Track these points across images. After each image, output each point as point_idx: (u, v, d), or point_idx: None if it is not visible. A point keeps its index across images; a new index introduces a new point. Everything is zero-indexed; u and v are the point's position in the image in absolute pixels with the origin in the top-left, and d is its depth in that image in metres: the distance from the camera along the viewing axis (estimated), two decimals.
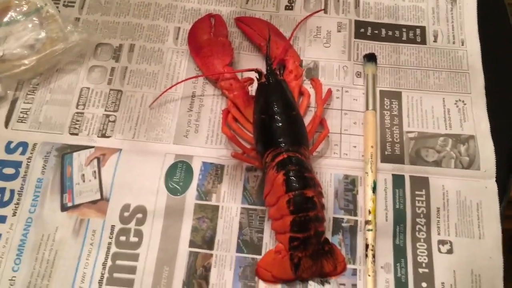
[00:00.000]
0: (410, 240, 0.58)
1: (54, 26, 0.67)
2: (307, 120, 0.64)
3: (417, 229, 0.59)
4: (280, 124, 0.58)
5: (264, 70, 0.63)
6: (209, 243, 0.58)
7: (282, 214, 0.55)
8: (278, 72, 0.63)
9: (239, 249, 0.58)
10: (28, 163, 0.62)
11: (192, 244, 0.58)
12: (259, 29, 0.71)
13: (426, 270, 0.57)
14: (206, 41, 0.69)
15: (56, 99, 0.67)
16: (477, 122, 0.66)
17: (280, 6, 0.75)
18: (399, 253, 0.58)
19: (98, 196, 0.60)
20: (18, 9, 0.67)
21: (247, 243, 0.58)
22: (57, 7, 0.73)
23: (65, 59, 0.68)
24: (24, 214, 0.59)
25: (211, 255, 0.58)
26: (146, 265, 0.57)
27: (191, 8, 0.74)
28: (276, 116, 0.58)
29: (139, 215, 0.59)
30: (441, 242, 0.59)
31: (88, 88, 0.68)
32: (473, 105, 0.67)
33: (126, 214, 0.59)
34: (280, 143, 0.57)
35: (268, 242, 0.58)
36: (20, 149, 0.63)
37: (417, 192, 0.61)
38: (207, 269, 0.57)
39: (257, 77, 0.63)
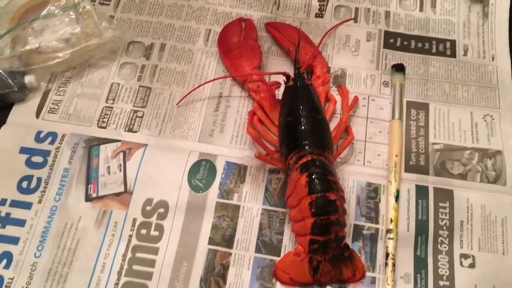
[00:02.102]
0: (431, 252, 0.58)
1: (90, 21, 0.69)
2: (332, 126, 0.64)
3: (439, 241, 0.58)
4: (306, 126, 0.58)
5: (292, 74, 0.64)
6: (229, 241, 0.58)
7: (303, 216, 0.54)
8: (305, 76, 0.63)
9: (258, 250, 0.58)
10: (56, 153, 0.63)
11: (211, 241, 0.58)
12: (289, 34, 0.71)
13: (447, 283, 0.56)
14: (236, 43, 0.70)
15: (87, 93, 0.68)
16: (505, 138, 0.65)
17: (310, 13, 0.76)
18: (419, 264, 0.57)
19: (122, 189, 0.61)
20: (56, 4, 0.69)
21: (266, 244, 0.58)
22: (93, 5, 0.75)
23: (98, 54, 0.69)
24: (49, 202, 0.60)
25: (230, 253, 0.58)
26: (165, 259, 0.57)
27: (223, 11, 0.76)
28: (302, 119, 0.59)
29: (161, 210, 0.60)
30: (464, 256, 0.58)
31: (118, 84, 0.69)
32: (501, 121, 0.66)
33: (148, 208, 0.60)
34: (304, 146, 0.57)
35: (288, 244, 0.58)
36: (50, 138, 0.64)
37: (440, 204, 0.60)
38: (225, 268, 0.57)
39: (285, 80, 0.63)
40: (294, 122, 0.59)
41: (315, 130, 0.59)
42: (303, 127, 0.58)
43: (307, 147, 0.57)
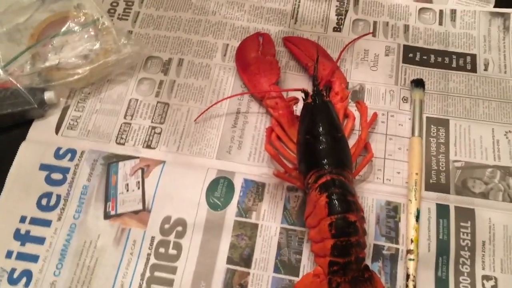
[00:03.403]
0: (453, 273, 0.57)
1: (109, 38, 0.69)
2: (351, 143, 0.63)
3: (460, 262, 0.57)
4: (325, 145, 0.58)
5: (310, 91, 0.64)
6: (247, 261, 0.58)
7: (323, 237, 0.54)
8: (324, 93, 0.63)
9: (276, 270, 0.58)
10: (76, 170, 0.63)
11: (229, 260, 0.58)
12: (307, 49, 0.71)
13: None
14: (254, 59, 0.70)
15: (105, 109, 0.69)
16: None
17: (328, 27, 0.75)
18: (441, 285, 0.56)
19: (140, 207, 0.61)
20: (76, 20, 0.69)
21: (285, 263, 0.58)
22: (112, 20, 0.75)
23: (117, 70, 0.70)
24: (68, 220, 0.60)
25: (248, 273, 0.57)
26: (183, 279, 0.57)
27: (240, 26, 0.76)
28: (321, 137, 0.58)
29: (179, 228, 0.60)
30: (486, 278, 0.57)
31: (137, 100, 0.69)
32: None
33: (166, 226, 0.60)
34: (324, 165, 0.57)
35: (306, 264, 0.58)
36: (69, 155, 0.65)
37: (462, 224, 0.59)
38: (244, 287, 0.57)
39: (303, 97, 0.63)
40: (313, 141, 0.59)
41: (334, 149, 0.58)
42: (322, 146, 0.58)
43: (326, 166, 0.56)
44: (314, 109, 0.61)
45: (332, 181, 0.55)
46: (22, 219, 0.61)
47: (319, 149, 0.58)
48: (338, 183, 0.55)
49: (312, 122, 0.60)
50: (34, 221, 0.60)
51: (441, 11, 0.76)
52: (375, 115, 0.66)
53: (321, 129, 0.59)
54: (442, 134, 0.66)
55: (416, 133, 0.65)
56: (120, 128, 0.67)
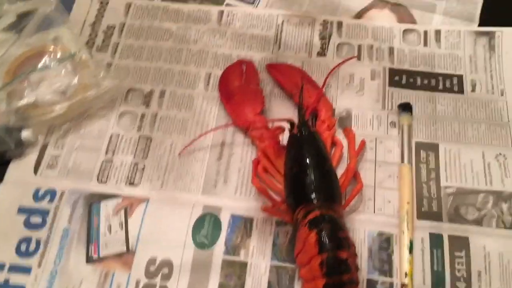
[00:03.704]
0: None
1: (87, 72, 0.67)
2: (339, 172, 0.62)
3: None
4: (313, 179, 0.56)
5: (296, 120, 0.62)
6: None
7: (314, 275, 0.52)
8: (310, 123, 0.62)
9: None
10: (56, 212, 0.61)
11: None
12: (291, 76, 0.70)
13: None
14: (237, 88, 0.68)
15: (86, 146, 0.67)
16: None
17: (312, 52, 0.74)
18: None
19: (124, 249, 0.59)
20: (52, 56, 0.67)
21: None
22: (90, 52, 0.73)
23: (97, 105, 0.68)
24: (49, 266, 0.58)
25: None
26: None
27: (223, 53, 0.74)
28: (308, 170, 0.56)
29: (165, 270, 0.57)
30: None
31: (118, 135, 0.67)
32: None
33: (152, 268, 0.58)
34: (312, 200, 0.55)
35: None
36: (48, 196, 0.62)
37: (456, 253, 0.58)
38: None
39: (289, 128, 0.61)
40: (301, 174, 0.57)
41: (323, 182, 0.56)
42: (310, 180, 0.56)
43: (315, 201, 0.55)
44: (300, 140, 0.59)
45: (322, 217, 0.53)
46: (1, 267, 0.58)
47: (307, 183, 0.56)
48: (328, 219, 0.53)
49: (299, 155, 0.58)
50: (13, 269, 0.58)
51: (425, 32, 0.75)
52: (363, 143, 0.65)
53: (308, 161, 0.57)
54: (432, 160, 0.65)
55: (406, 160, 0.63)
56: (101, 166, 0.65)
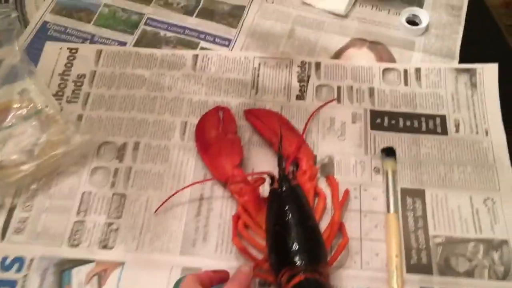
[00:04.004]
0: None
1: (55, 128, 0.64)
2: (323, 223, 0.59)
3: None
4: (296, 239, 0.53)
5: (275, 173, 0.60)
6: None
7: None
8: (291, 176, 0.59)
9: None
10: (24, 283, 0.57)
11: None
12: (270, 122, 0.67)
13: None
14: (214, 138, 0.65)
15: (56, 206, 0.63)
16: (509, 224, 0.60)
17: (291, 95, 0.71)
18: None
19: None
20: (17, 113, 0.64)
21: None
22: (60, 103, 0.70)
23: (67, 162, 0.64)
24: None
25: None
26: None
27: (198, 100, 0.71)
28: (290, 230, 0.54)
29: None
30: None
31: (90, 192, 0.64)
32: (503, 204, 0.62)
33: None
34: (296, 262, 0.52)
35: None
36: (16, 265, 0.58)
37: None
38: None
39: (270, 182, 0.59)
40: (283, 233, 0.54)
41: (307, 242, 0.53)
42: (293, 242, 0.53)
43: (299, 263, 0.52)
44: (281, 196, 0.57)
45: (307, 281, 0.51)
46: None
47: (290, 245, 0.53)
48: (313, 283, 0.51)
49: (280, 213, 0.55)
50: None
51: (405, 71, 0.73)
52: (346, 193, 0.62)
53: (290, 220, 0.54)
54: (419, 207, 0.62)
55: (392, 209, 0.61)
56: (73, 228, 0.61)
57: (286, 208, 0.55)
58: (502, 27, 0.78)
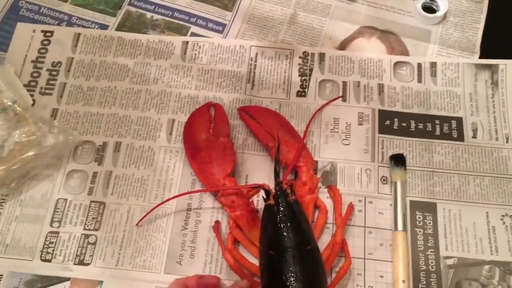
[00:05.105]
0: None
1: (25, 128, 0.57)
2: (323, 241, 0.54)
3: None
4: (292, 265, 0.47)
5: (271, 183, 0.53)
6: None
7: None
8: (289, 190, 0.52)
9: None
10: None
11: None
12: (267, 124, 0.60)
13: None
14: (204, 142, 0.58)
15: (27, 215, 0.57)
16: None
17: (291, 92, 0.64)
18: None
19: None
20: None
21: None
22: (32, 96, 0.63)
23: (39, 165, 0.58)
24: None
25: None
26: None
27: (188, 95, 0.64)
28: (286, 255, 0.48)
29: None
30: None
31: (65, 200, 0.57)
32: None
33: None
34: None
35: None
36: None
37: None
38: None
39: (264, 197, 0.52)
40: (278, 258, 0.48)
41: (305, 269, 0.47)
42: (288, 268, 0.47)
43: None
44: (277, 214, 0.50)
45: None
46: None
47: (286, 270, 0.47)
48: None
49: (275, 235, 0.49)
50: None
51: (419, 65, 0.65)
52: (350, 207, 0.56)
53: (286, 243, 0.48)
54: (430, 223, 0.56)
55: (400, 227, 0.55)
56: (46, 239, 0.55)
57: (282, 229, 0.49)
58: None
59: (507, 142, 0.61)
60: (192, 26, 0.69)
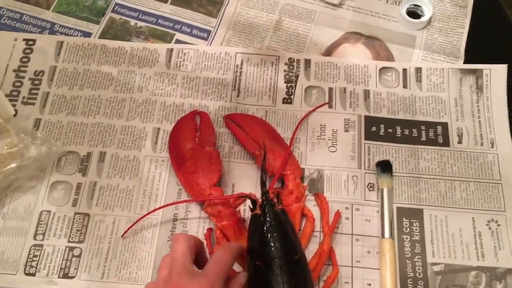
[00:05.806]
0: None
1: (7, 140, 0.56)
2: (312, 247, 0.54)
3: None
4: (280, 276, 0.47)
5: (258, 192, 0.53)
6: None
7: None
8: (276, 199, 0.52)
9: None
10: None
11: None
12: (253, 132, 0.60)
13: None
14: (190, 151, 0.58)
15: (10, 228, 0.56)
16: None
17: (277, 99, 0.64)
18: None
19: None
20: None
21: None
22: (15, 106, 0.62)
23: (22, 176, 0.57)
24: None
25: None
26: None
27: (173, 103, 0.63)
28: (273, 266, 0.47)
29: None
30: None
31: (49, 212, 0.57)
32: (508, 227, 0.56)
33: None
34: None
35: None
36: None
37: None
38: None
39: (251, 206, 0.52)
40: (265, 269, 0.48)
41: (292, 278, 0.47)
42: (276, 278, 0.47)
43: None
44: (264, 224, 0.50)
45: None
46: None
47: (273, 282, 0.47)
48: None
49: (262, 245, 0.49)
50: None
51: (404, 71, 0.65)
52: (337, 215, 0.56)
53: (273, 253, 0.48)
54: (416, 229, 0.56)
55: (387, 234, 0.55)
56: (30, 253, 0.54)
57: (269, 239, 0.49)
58: None
59: (492, 147, 0.61)
60: (176, 33, 0.68)
